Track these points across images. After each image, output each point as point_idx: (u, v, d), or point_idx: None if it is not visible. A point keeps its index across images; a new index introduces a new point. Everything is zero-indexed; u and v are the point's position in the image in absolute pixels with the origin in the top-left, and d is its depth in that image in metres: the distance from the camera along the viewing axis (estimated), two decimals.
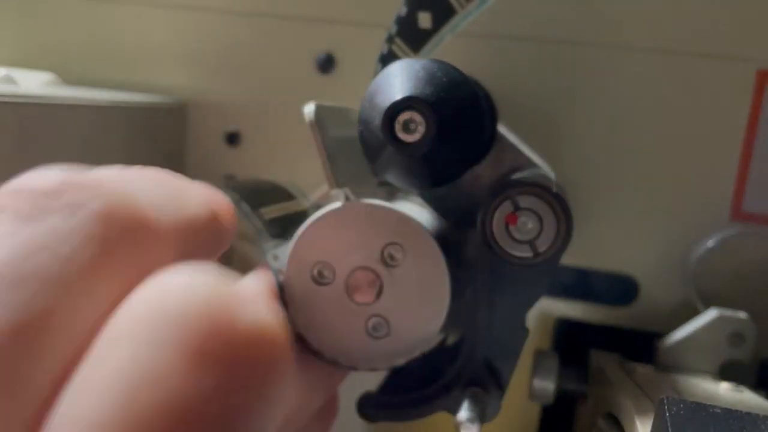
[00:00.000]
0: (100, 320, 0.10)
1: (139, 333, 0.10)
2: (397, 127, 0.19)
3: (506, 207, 0.20)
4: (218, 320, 0.10)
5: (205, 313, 0.10)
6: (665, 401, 0.17)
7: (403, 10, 0.24)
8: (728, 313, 0.29)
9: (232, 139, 0.36)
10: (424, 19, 0.24)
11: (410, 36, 0.24)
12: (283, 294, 0.19)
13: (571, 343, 0.33)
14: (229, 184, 0.21)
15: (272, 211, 0.22)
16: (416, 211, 0.22)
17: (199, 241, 0.13)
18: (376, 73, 0.25)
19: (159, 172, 0.14)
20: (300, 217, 0.21)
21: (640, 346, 0.31)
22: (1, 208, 0.10)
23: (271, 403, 0.11)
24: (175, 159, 0.37)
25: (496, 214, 0.20)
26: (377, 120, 0.19)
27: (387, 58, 0.24)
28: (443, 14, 0.23)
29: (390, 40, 0.24)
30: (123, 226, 0.11)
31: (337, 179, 0.21)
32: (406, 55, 0.24)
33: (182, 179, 0.15)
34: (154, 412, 0.09)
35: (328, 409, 0.21)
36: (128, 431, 0.09)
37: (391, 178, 0.20)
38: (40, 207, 0.10)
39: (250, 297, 0.11)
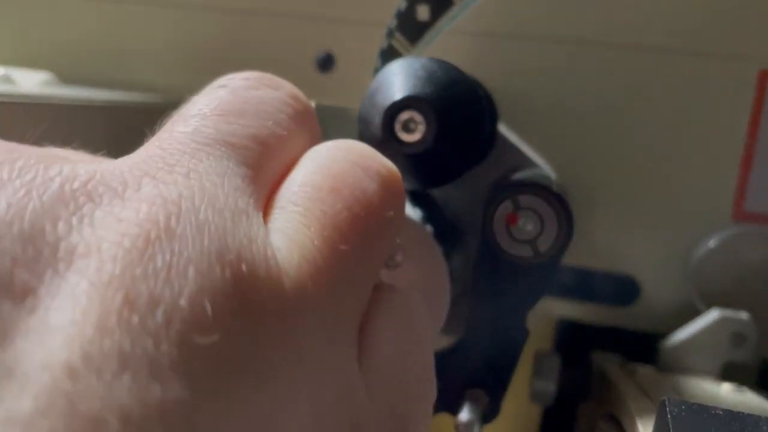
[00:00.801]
0: (296, 159, 0.14)
1: (334, 152, 0.14)
2: (397, 126, 0.18)
3: (507, 207, 0.20)
4: (374, 154, 0.15)
5: (367, 149, 0.15)
6: (667, 402, 0.17)
7: (402, 5, 0.24)
8: (730, 313, 0.29)
9: None
10: (423, 12, 0.24)
11: (409, 29, 0.24)
12: None
13: (572, 344, 0.33)
14: None
15: None
16: (417, 214, 0.22)
17: None
18: (376, 68, 0.25)
19: None
20: None
21: (642, 346, 0.31)
22: (224, 85, 0.15)
23: (399, 224, 0.15)
24: None
25: (497, 214, 0.20)
26: (377, 119, 0.19)
27: (386, 53, 0.24)
28: (441, 6, 0.23)
29: (390, 34, 0.24)
30: (304, 106, 0.16)
31: None
32: (405, 49, 0.24)
33: None
34: (344, 191, 0.13)
35: None
36: (331, 194, 0.13)
37: None
38: (252, 83, 0.15)
39: None
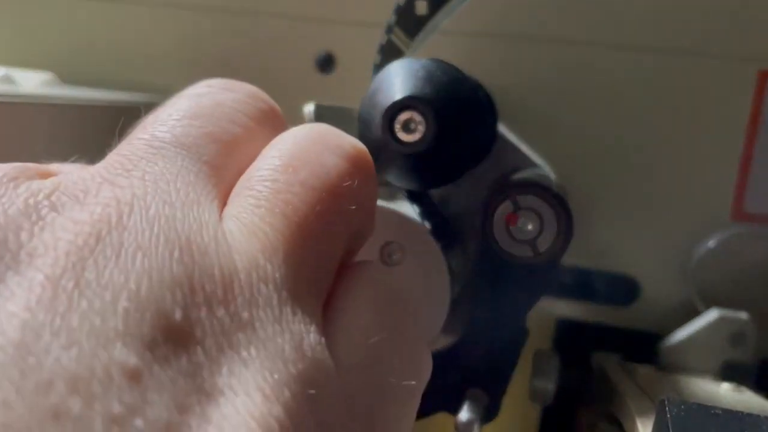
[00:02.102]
0: (255, 157, 0.15)
1: (295, 135, 0.15)
2: (397, 126, 0.19)
3: (506, 207, 0.20)
4: (336, 132, 0.15)
5: (329, 129, 0.15)
6: (666, 402, 0.17)
7: (402, 0, 0.24)
8: (729, 313, 0.29)
9: None
10: (421, 7, 0.24)
11: (408, 24, 0.24)
12: None
13: (572, 343, 0.33)
14: None
15: None
16: (414, 211, 0.22)
17: None
18: (375, 64, 0.25)
19: None
20: None
21: (641, 346, 0.31)
22: (185, 94, 0.16)
23: (369, 201, 0.15)
24: None
25: (497, 214, 0.20)
26: (377, 119, 0.19)
27: (386, 49, 0.24)
28: (439, 0, 0.23)
29: (389, 30, 0.24)
30: (265, 107, 0.16)
31: None
32: (404, 44, 0.24)
33: None
34: (301, 169, 0.14)
35: None
36: (285, 174, 0.13)
37: (391, 178, 0.20)
38: (212, 90, 0.15)
39: None
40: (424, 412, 0.23)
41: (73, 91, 0.31)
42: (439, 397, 0.22)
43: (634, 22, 0.31)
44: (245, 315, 0.11)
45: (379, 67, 0.25)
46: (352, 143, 0.15)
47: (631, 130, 0.32)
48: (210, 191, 0.13)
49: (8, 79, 0.27)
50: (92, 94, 0.30)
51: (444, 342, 0.23)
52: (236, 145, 0.15)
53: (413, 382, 0.14)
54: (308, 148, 0.14)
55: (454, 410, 0.22)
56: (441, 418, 0.23)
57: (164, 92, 0.36)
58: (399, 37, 0.24)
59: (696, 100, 0.31)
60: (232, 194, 0.14)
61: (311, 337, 0.12)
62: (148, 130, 0.14)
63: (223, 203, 0.13)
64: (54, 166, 0.14)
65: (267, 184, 0.13)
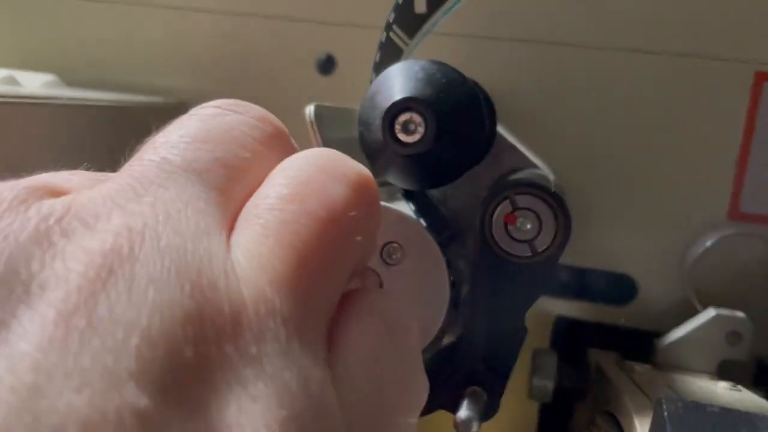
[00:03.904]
0: (263, 179, 0.15)
1: (302, 161, 0.15)
2: (397, 127, 0.19)
3: (505, 207, 0.20)
4: (344, 158, 0.15)
5: (336, 155, 0.15)
6: (663, 400, 0.17)
7: None
8: (726, 312, 0.29)
9: None
10: (419, 4, 0.24)
11: (407, 22, 0.24)
12: None
13: (570, 342, 0.33)
14: None
15: None
16: (410, 210, 0.22)
17: None
18: (375, 62, 0.25)
19: None
20: None
21: (639, 345, 0.31)
22: (194, 113, 0.15)
23: (373, 227, 0.15)
24: None
25: (495, 214, 0.20)
26: (377, 120, 0.19)
27: (385, 46, 0.25)
28: None
29: (388, 27, 0.24)
30: (273, 128, 0.16)
31: None
32: (403, 42, 0.24)
33: None
34: (308, 198, 0.13)
35: None
36: (293, 203, 0.13)
37: (391, 178, 0.20)
38: (221, 111, 0.15)
39: None
40: (423, 410, 0.23)
41: (75, 92, 0.31)
42: (439, 396, 0.23)
43: (633, 25, 0.31)
44: (253, 350, 0.11)
45: (378, 64, 0.25)
46: (357, 171, 0.15)
47: (628, 131, 0.32)
48: (219, 219, 0.13)
49: (12, 80, 0.27)
50: (95, 96, 0.30)
51: (444, 341, 0.23)
52: (245, 170, 0.14)
53: (412, 418, 0.15)
54: (315, 177, 0.14)
55: (454, 408, 0.22)
56: (440, 415, 0.23)
57: (166, 94, 0.37)
58: (398, 35, 0.24)
59: (693, 101, 0.31)
60: (240, 218, 0.14)
61: (317, 372, 0.12)
62: (159, 152, 0.14)
63: (231, 228, 0.13)
64: (63, 177, 0.14)
65: (275, 213, 0.13)
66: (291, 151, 0.16)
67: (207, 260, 0.12)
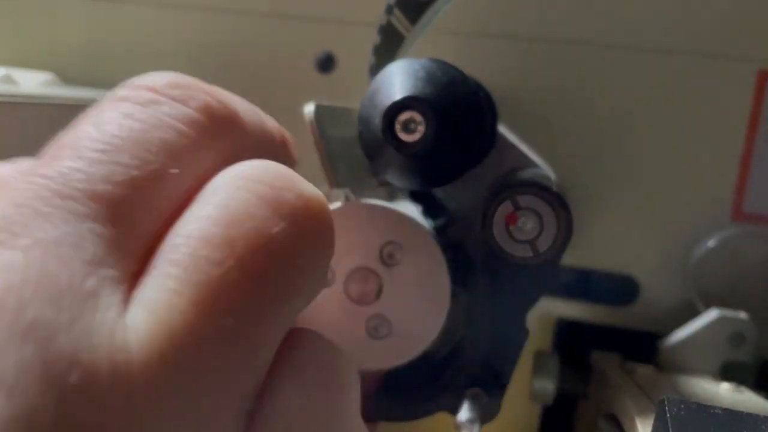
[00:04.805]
0: (195, 189, 0.12)
1: (238, 184, 0.12)
2: (397, 126, 0.19)
3: (506, 207, 0.20)
4: (291, 181, 0.13)
5: (282, 176, 0.13)
6: (666, 402, 0.17)
7: None
8: (729, 313, 0.29)
9: None
10: None
11: (408, 7, 0.24)
12: None
13: (572, 343, 0.33)
14: None
15: None
16: (416, 210, 0.22)
17: (270, 156, 0.14)
18: (375, 45, 0.25)
19: None
20: None
21: (641, 346, 0.31)
22: (124, 98, 0.13)
23: (322, 267, 0.13)
24: None
25: (497, 214, 0.20)
26: (377, 120, 0.19)
27: (385, 30, 0.24)
28: None
29: (389, 10, 0.24)
30: (220, 118, 0.14)
31: (337, 179, 0.21)
32: (404, 28, 0.24)
33: None
34: (239, 241, 0.11)
35: None
36: (220, 247, 0.11)
37: (391, 178, 0.20)
38: (156, 97, 0.13)
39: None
40: (424, 412, 0.23)
41: (73, 91, 0.31)
42: (439, 397, 0.22)
43: (634, 23, 0.31)
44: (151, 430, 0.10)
45: (378, 48, 0.25)
46: (305, 196, 0.13)
47: (630, 130, 0.32)
48: (119, 269, 0.11)
49: (9, 79, 0.27)
50: (93, 94, 0.30)
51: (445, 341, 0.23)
52: (173, 186, 0.12)
53: None
54: (252, 210, 0.12)
55: (454, 410, 0.22)
56: (441, 417, 0.23)
57: None
58: (399, 19, 0.24)
59: (696, 100, 0.31)
60: (152, 265, 0.11)
61: None
62: (61, 164, 0.11)
63: (137, 272, 0.11)
64: None
65: (196, 261, 0.11)
66: (242, 138, 0.14)
67: (87, 338, 0.09)
